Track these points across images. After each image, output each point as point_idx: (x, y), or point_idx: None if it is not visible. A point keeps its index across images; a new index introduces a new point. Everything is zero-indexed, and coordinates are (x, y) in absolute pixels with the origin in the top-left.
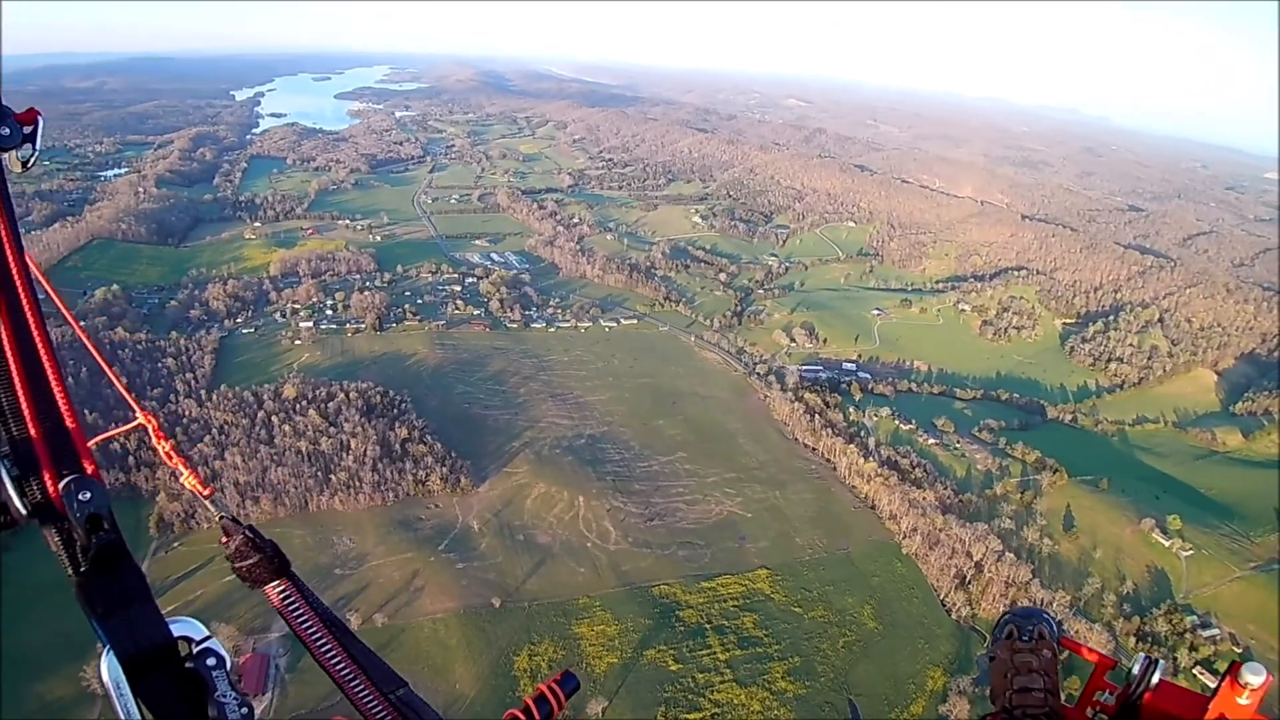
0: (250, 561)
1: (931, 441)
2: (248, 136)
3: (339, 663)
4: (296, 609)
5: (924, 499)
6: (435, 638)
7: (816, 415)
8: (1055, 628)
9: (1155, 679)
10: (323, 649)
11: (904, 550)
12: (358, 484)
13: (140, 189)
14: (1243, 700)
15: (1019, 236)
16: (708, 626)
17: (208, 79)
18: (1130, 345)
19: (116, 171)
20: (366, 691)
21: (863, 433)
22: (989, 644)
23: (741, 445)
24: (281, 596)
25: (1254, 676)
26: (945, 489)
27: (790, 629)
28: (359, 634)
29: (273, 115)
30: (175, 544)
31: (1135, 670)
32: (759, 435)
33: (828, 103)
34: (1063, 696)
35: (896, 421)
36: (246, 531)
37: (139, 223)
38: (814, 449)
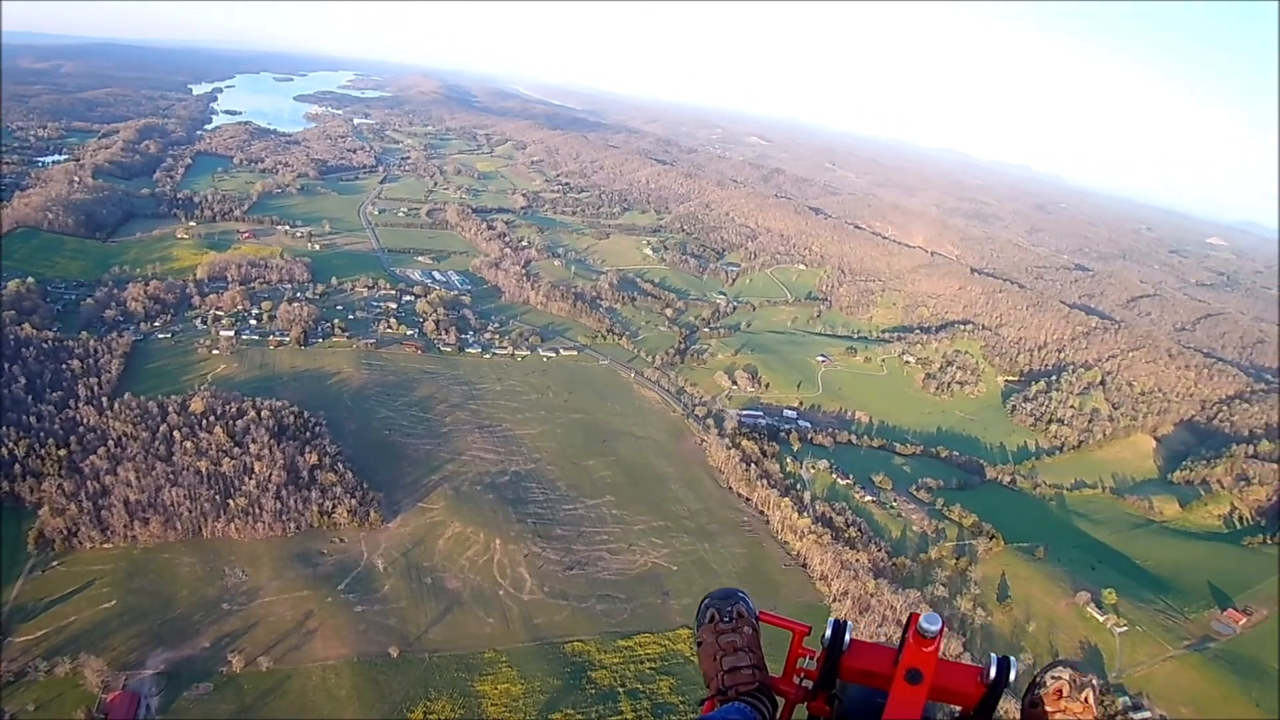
0: None
1: (868, 499)
2: (198, 132)
3: None
4: None
5: (857, 560)
6: (324, 686)
7: (753, 464)
8: (751, 604)
9: (847, 639)
10: None
11: (833, 614)
12: (257, 511)
13: (76, 178)
14: (927, 649)
15: (967, 290)
16: (621, 690)
17: (167, 70)
18: (1071, 407)
19: (55, 158)
20: None
21: (799, 485)
22: (695, 629)
23: (673, 491)
24: None
25: (931, 625)
26: (879, 550)
27: None
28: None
29: (228, 112)
30: (54, 563)
31: (828, 634)
32: (692, 481)
33: (789, 143)
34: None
35: (834, 475)
36: None
37: (68, 213)
38: (748, 499)
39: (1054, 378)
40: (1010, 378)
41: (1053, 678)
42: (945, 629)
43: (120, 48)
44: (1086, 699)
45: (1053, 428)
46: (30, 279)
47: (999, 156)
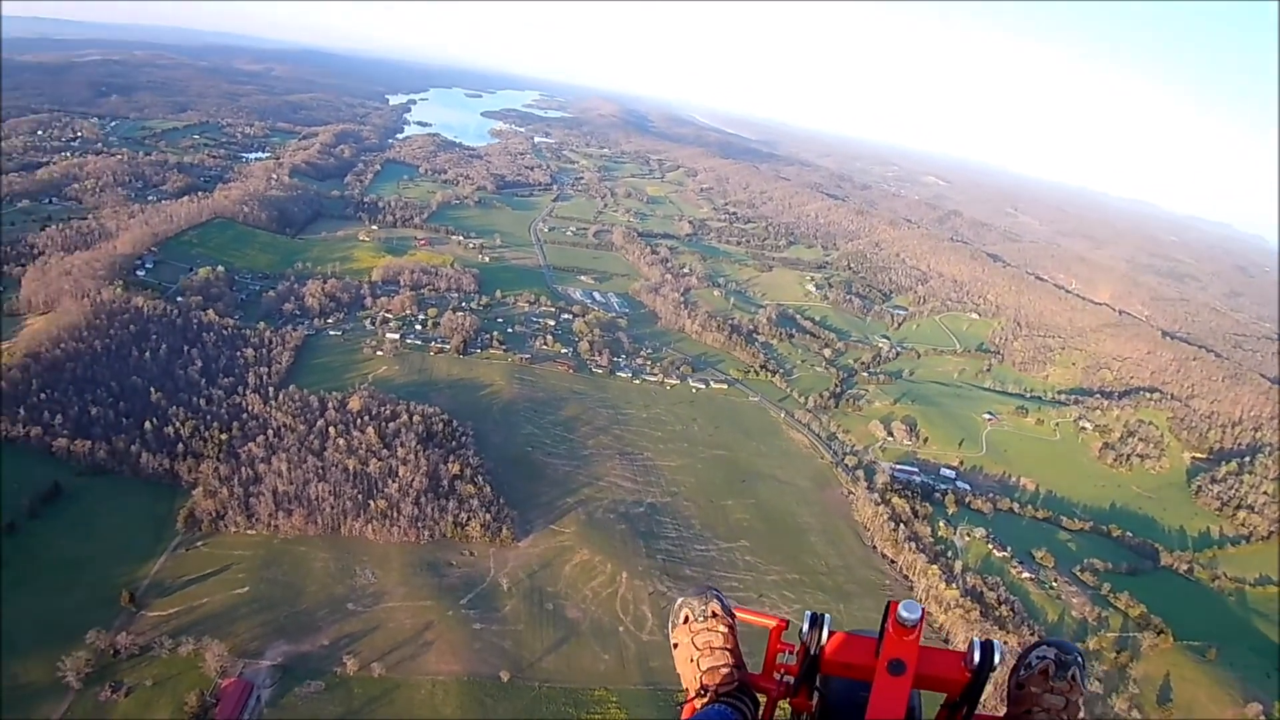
0: None
1: (1026, 575)
2: (389, 140)
3: None
4: None
5: (1005, 643)
6: (430, 702)
7: (902, 524)
8: (726, 601)
9: (825, 633)
10: None
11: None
12: (395, 515)
13: (274, 175)
14: (908, 639)
15: (1156, 355)
16: None
17: (367, 79)
18: (1265, 493)
19: (258, 155)
20: None
21: (950, 552)
22: (670, 630)
23: (812, 544)
24: None
25: (909, 614)
26: (1031, 635)
27: None
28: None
29: (419, 123)
30: (199, 543)
31: (805, 628)
32: (834, 535)
33: (968, 184)
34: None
35: (990, 546)
36: None
37: (262, 208)
38: (893, 561)
39: (1248, 459)
40: (1198, 455)
41: (1038, 658)
42: (926, 615)
43: (325, 56)
44: (1072, 677)
45: (1240, 514)
46: (220, 267)
47: (1196, 211)
